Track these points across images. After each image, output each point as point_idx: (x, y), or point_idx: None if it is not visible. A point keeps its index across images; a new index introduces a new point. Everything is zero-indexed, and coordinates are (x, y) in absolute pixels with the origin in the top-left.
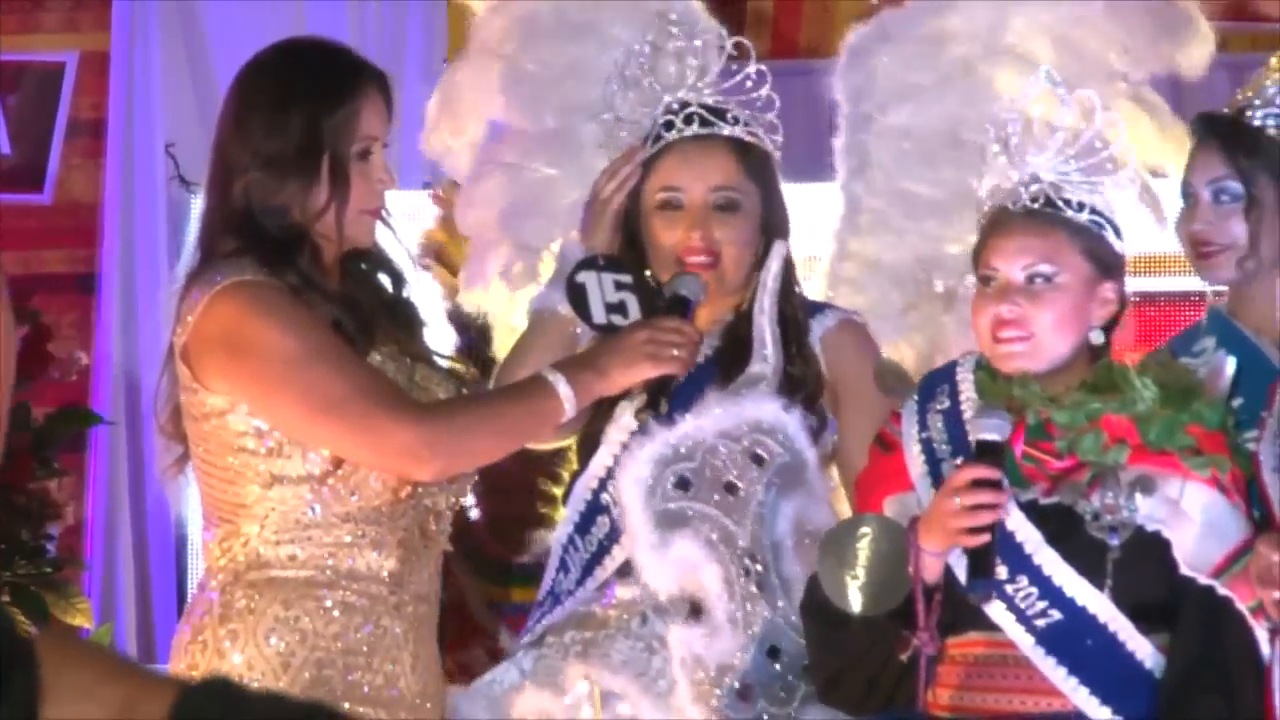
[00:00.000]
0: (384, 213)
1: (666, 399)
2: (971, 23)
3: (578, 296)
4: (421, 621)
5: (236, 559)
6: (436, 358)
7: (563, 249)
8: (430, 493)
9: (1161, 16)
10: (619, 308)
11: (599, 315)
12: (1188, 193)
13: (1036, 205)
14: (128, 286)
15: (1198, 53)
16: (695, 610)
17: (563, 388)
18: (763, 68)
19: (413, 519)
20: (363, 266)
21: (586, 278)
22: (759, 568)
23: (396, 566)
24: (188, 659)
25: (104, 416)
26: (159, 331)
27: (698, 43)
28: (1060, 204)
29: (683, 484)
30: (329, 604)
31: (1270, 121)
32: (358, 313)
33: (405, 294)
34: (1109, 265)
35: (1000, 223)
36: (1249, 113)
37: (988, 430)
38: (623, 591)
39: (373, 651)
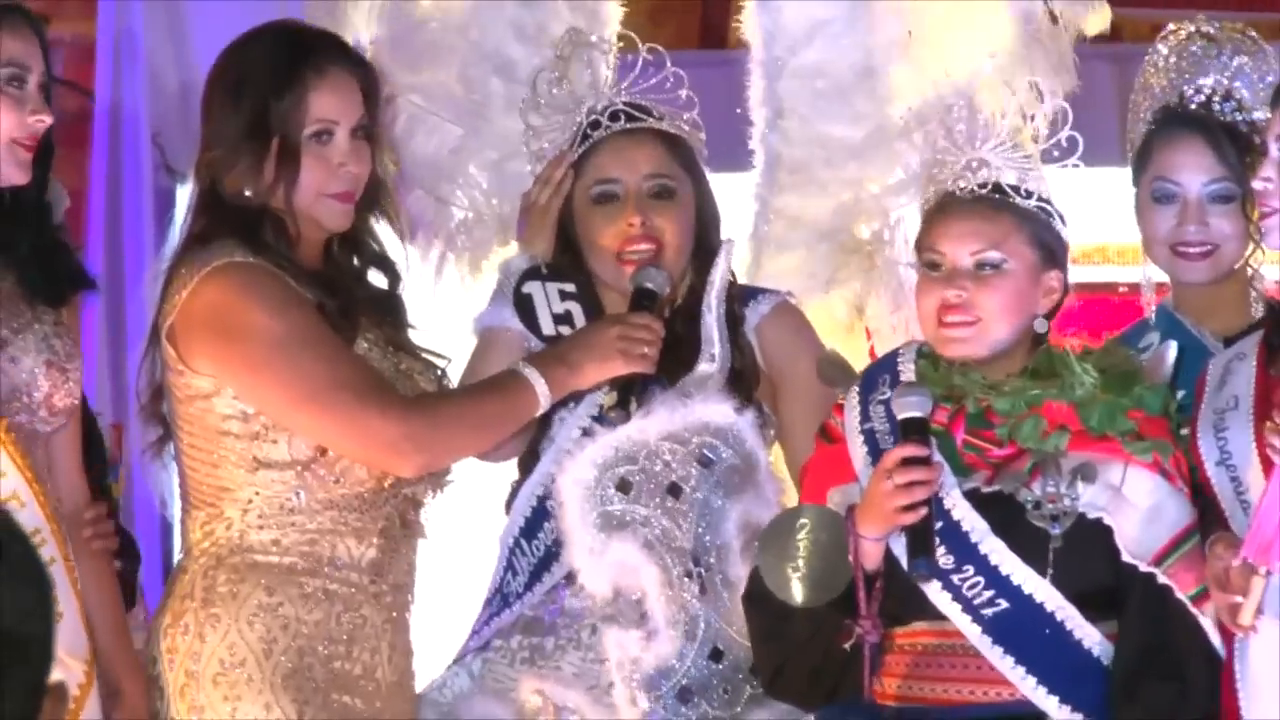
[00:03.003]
0: (384, 204)
1: (636, 397)
2: None
3: (525, 308)
4: (399, 611)
5: (219, 542)
6: (422, 352)
7: (504, 263)
8: (411, 482)
9: None
10: (565, 318)
11: (547, 326)
12: (1169, 193)
13: (984, 191)
14: (114, 275)
15: None
16: (644, 617)
17: (539, 383)
18: (679, 70)
19: (394, 508)
20: (354, 259)
21: (533, 288)
22: (702, 570)
23: (377, 555)
24: (168, 641)
25: (90, 404)
26: (144, 319)
27: (610, 54)
28: (1008, 190)
29: (624, 486)
30: (311, 591)
31: (1239, 116)
32: (338, 295)
33: (395, 289)
34: (1054, 253)
35: (947, 207)
36: (1215, 103)
37: (909, 408)
38: (572, 601)
39: (352, 640)
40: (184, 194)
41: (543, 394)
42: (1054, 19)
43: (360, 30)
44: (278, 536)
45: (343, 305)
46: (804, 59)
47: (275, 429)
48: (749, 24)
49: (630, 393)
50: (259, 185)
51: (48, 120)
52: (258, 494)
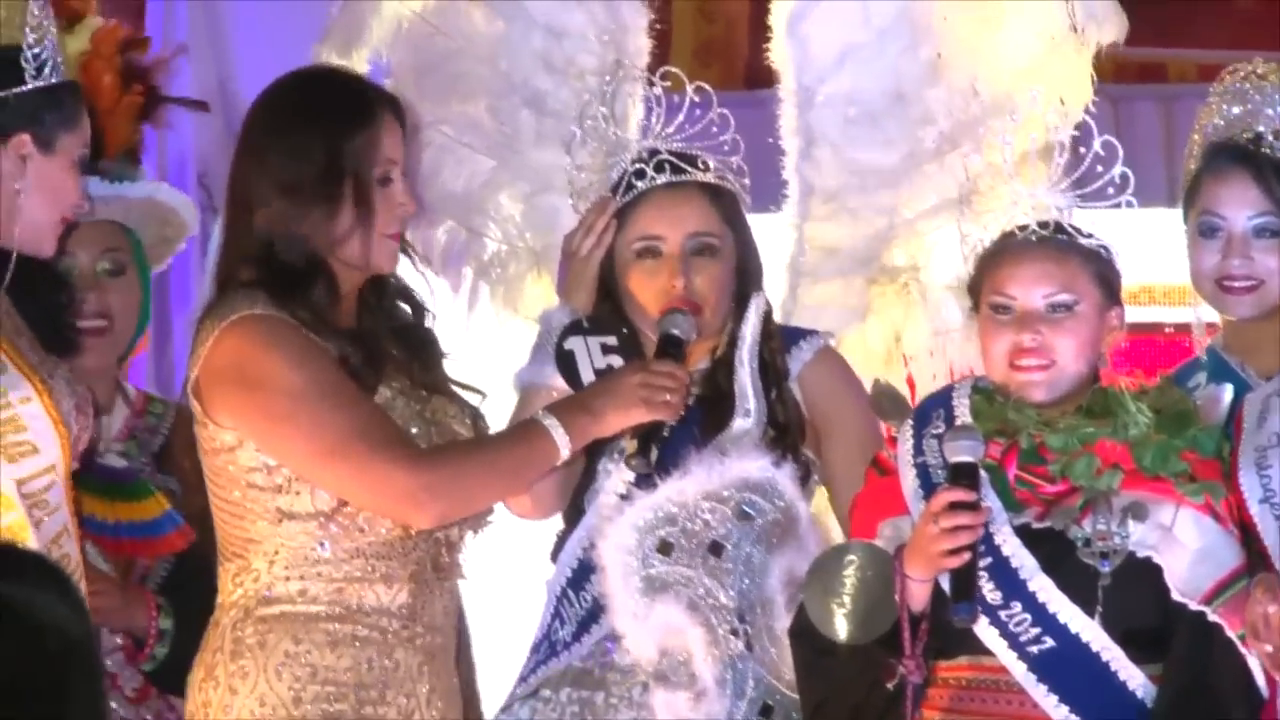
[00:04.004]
0: (404, 240)
1: (658, 445)
2: None
3: (568, 364)
4: (437, 652)
5: (247, 594)
6: (455, 387)
7: (544, 316)
8: (444, 525)
9: None
10: (608, 373)
11: (589, 383)
12: (1214, 227)
13: (1048, 232)
14: (161, 318)
15: None
16: (692, 677)
17: (558, 432)
18: (725, 111)
19: (425, 552)
20: (381, 297)
21: (574, 344)
22: (747, 627)
23: (408, 600)
24: (201, 696)
25: None
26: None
27: (657, 90)
28: (1071, 230)
29: (664, 548)
30: (339, 637)
31: None
32: (367, 348)
33: (424, 323)
34: (1114, 290)
35: (1011, 250)
36: (1265, 140)
37: (960, 452)
38: (621, 657)
39: (386, 685)
40: None
41: (563, 443)
42: (1074, 29)
43: (380, 52)
44: (304, 586)
45: (368, 356)
46: (834, 87)
47: (298, 480)
48: (778, 54)
49: (652, 441)
50: (333, 232)
51: (86, 206)
52: (283, 545)
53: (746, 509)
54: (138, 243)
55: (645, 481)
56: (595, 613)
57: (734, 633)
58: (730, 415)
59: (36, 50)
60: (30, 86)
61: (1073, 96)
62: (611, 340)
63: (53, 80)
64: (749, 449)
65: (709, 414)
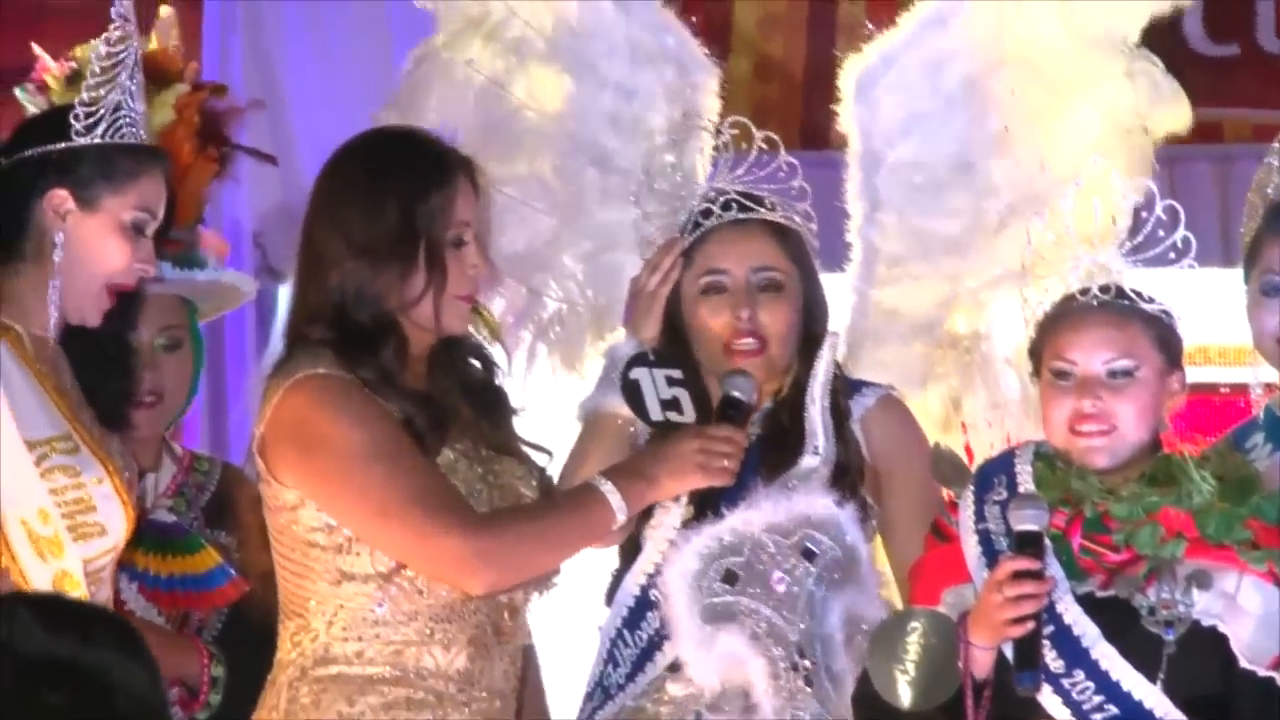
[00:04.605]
0: (478, 301)
1: (713, 510)
2: (971, 38)
3: (633, 394)
4: (495, 716)
5: (305, 654)
6: (524, 446)
7: (610, 349)
8: (506, 589)
9: None
10: (673, 404)
11: (655, 412)
12: (1278, 287)
13: (1108, 297)
14: (216, 380)
15: None
16: (749, 704)
17: (614, 497)
18: (793, 160)
19: (485, 616)
20: (453, 356)
21: (640, 374)
22: (808, 663)
23: (466, 664)
24: None
25: None
26: (245, 422)
27: (725, 138)
28: (1132, 295)
29: (729, 578)
30: (393, 699)
31: None
32: (432, 410)
33: (495, 381)
34: (1176, 354)
35: (1071, 315)
36: None
37: (1025, 521)
38: (674, 688)
39: None
40: (285, 295)
41: (619, 508)
42: (1138, 113)
43: (446, 115)
44: (361, 648)
45: (432, 419)
46: (901, 153)
47: (359, 541)
48: (846, 118)
49: (707, 507)
50: (405, 294)
51: (151, 273)
52: (342, 606)
53: (810, 545)
54: (194, 312)
55: (711, 512)
56: (650, 650)
57: (794, 667)
58: (793, 453)
59: (91, 108)
60: (74, 144)
61: (1133, 175)
62: (676, 373)
63: (109, 139)
64: (815, 486)
65: (768, 452)
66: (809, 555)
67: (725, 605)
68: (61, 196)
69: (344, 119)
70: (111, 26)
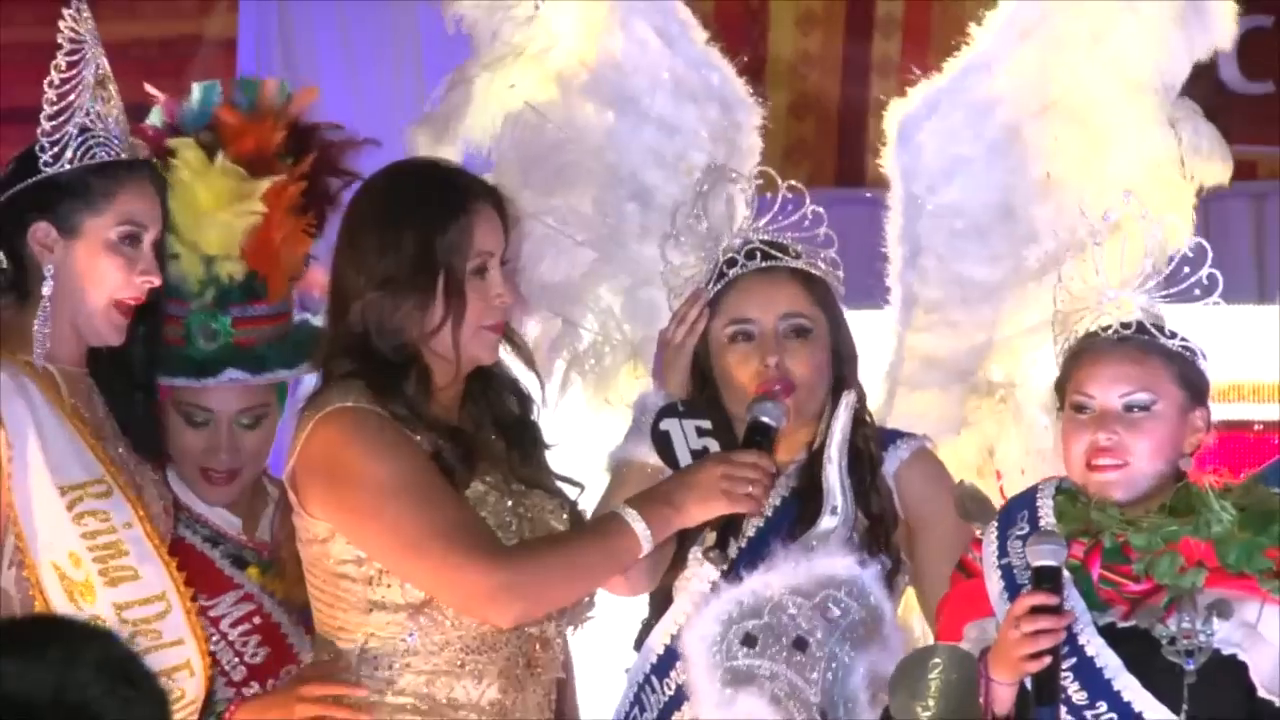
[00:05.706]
0: (509, 330)
1: (736, 538)
2: (1015, 84)
3: (664, 445)
4: None
5: None
6: (556, 479)
7: (640, 398)
8: (537, 621)
9: (1186, 16)
10: (703, 454)
11: (685, 462)
12: None
13: (1129, 332)
14: None
15: (1222, 27)
16: None
17: (639, 526)
18: (819, 208)
19: (516, 648)
20: (486, 388)
21: (670, 425)
22: None
23: (498, 696)
24: None
25: None
26: (278, 456)
27: (749, 188)
28: (1154, 331)
29: (749, 641)
30: None
31: None
32: (461, 442)
33: (529, 415)
34: (1200, 391)
35: (1092, 349)
36: None
37: (1043, 556)
38: None
39: None
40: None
41: (644, 536)
42: (1181, 161)
43: (479, 144)
44: (392, 677)
45: (462, 452)
46: (943, 198)
47: (389, 573)
48: (889, 161)
49: (730, 533)
50: (425, 325)
51: (156, 282)
52: (373, 636)
53: (832, 606)
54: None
55: (730, 574)
56: (679, 700)
57: None
58: (819, 512)
59: (54, 137)
60: (44, 174)
61: (1173, 224)
62: (706, 424)
63: (81, 163)
64: (836, 546)
65: (805, 508)
66: (831, 616)
67: (745, 669)
68: (44, 229)
69: (372, 153)
70: (60, 53)
